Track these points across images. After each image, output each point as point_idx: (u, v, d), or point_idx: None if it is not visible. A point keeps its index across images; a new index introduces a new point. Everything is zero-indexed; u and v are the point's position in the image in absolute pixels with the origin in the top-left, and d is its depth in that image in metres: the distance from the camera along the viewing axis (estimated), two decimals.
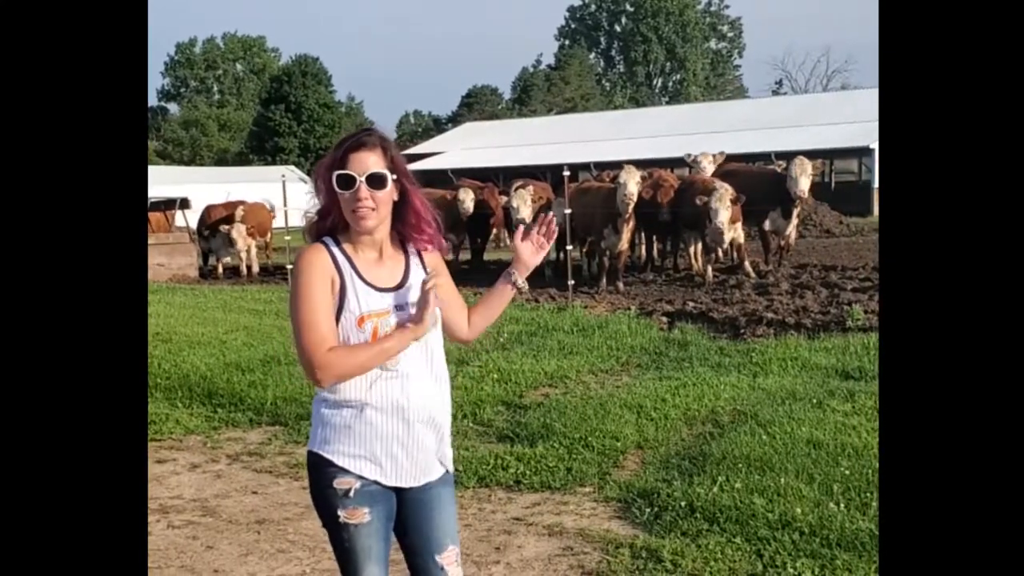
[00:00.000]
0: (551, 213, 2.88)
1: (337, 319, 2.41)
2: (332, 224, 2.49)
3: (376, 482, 2.45)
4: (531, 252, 2.67)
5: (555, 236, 2.73)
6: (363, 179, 2.38)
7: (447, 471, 2.59)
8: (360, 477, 2.43)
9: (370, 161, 2.41)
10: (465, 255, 16.82)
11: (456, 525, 2.62)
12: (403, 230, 2.54)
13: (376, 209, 2.41)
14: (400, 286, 2.49)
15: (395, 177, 2.45)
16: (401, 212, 2.51)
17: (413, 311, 2.45)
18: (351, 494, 2.42)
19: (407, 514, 2.53)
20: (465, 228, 15.25)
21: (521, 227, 2.76)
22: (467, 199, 14.26)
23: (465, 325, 2.68)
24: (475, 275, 13.58)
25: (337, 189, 2.40)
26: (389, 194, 2.44)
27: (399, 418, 2.44)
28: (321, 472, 2.45)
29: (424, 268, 2.56)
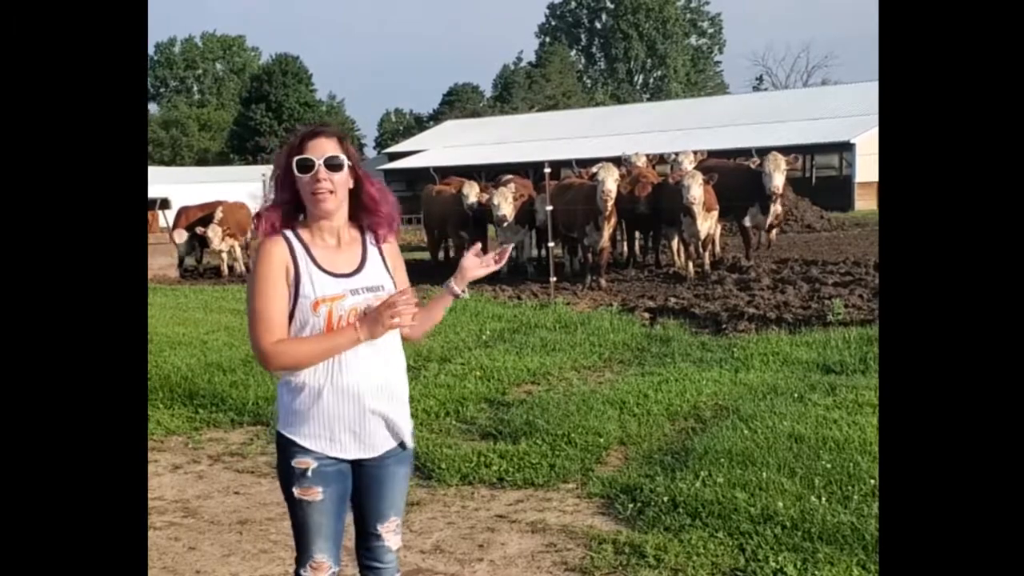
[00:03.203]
0: (510, 245, 3.01)
1: (294, 304, 2.53)
2: (287, 215, 2.59)
3: (335, 459, 2.60)
4: (475, 265, 2.82)
5: (503, 261, 2.88)
6: (321, 162, 2.53)
7: (406, 448, 2.73)
8: (319, 457, 2.58)
9: (328, 147, 2.56)
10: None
11: (404, 499, 2.82)
12: (361, 213, 2.67)
13: (334, 192, 2.55)
14: (356, 271, 2.61)
15: (350, 164, 2.59)
16: (357, 196, 2.65)
17: (368, 295, 2.58)
18: (308, 474, 2.58)
19: (361, 485, 2.70)
20: (474, 225, 14.61)
21: (477, 245, 2.92)
22: (471, 193, 13.85)
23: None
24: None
25: (297, 174, 2.53)
26: (346, 179, 2.59)
27: (353, 399, 2.58)
28: (284, 451, 2.62)
29: (382, 255, 2.69)
